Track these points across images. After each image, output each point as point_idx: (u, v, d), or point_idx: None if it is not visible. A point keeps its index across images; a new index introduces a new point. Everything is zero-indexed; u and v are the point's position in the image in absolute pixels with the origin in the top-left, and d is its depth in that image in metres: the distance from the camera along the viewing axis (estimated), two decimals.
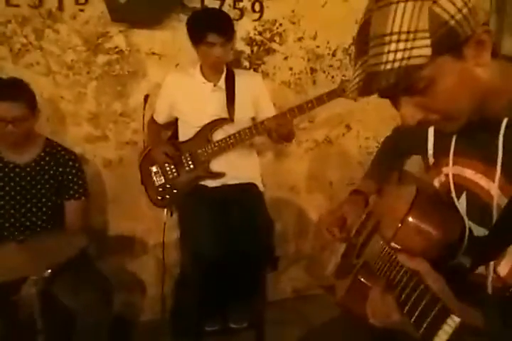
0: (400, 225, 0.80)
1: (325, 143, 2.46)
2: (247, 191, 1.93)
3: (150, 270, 2.31)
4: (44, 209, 1.77)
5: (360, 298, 0.81)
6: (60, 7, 1.99)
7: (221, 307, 1.86)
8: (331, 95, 1.82)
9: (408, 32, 0.64)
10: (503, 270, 0.73)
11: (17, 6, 1.94)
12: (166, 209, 1.99)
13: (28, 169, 1.76)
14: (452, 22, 0.64)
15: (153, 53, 2.15)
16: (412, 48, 0.64)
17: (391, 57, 0.65)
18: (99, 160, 2.19)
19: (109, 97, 2.14)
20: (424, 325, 0.61)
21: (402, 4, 0.65)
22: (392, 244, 0.81)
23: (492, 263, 0.74)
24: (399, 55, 0.65)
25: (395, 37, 0.65)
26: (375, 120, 2.42)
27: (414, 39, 0.64)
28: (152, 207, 2.12)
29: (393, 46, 0.65)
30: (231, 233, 1.79)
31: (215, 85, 1.91)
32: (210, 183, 1.94)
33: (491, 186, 0.74)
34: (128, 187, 2.19)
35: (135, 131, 2.19)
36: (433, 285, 0.64)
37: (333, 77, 2.37)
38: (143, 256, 2.30)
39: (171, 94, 1.96)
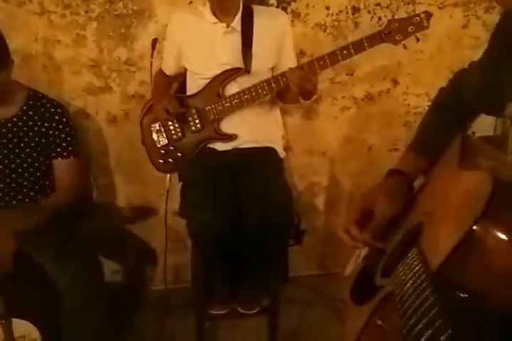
0: (458, 241, 0.48)
1: (365, 101, 2.06)
2: (263, 157, 1.62)
3: (162, 238, 2.10)
4: (31, 169, 1.57)
5: None
6: None
7: (230, 288, 1.62)
8: (374, 40, 1.43)
9: None
10: None
11: None
12: (168, 175, 1.73)
13: (10, 125, 1.54)
14: None
15: None
16: None
17: None
18: (103, 115, 1.94)
19: (111, 41, 1.84)
20: None
21: None
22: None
23: None
24: None
25: None
26: (428, 74, 1.99)
27: None
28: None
29: None
30: (242, 205, 1.51)
31: (228, 26, 1.56)
32: (220, 146, 1.64)
33: None
34: (135, 147, 1.94)
35: (142, 82, 1.90)
36: None
37: (380, 18, 1.93)
38: (153, 224, 2.09)
39: (177, 38, 1.63)
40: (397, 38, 1.43)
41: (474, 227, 0.49)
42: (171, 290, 2.03)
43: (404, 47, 1.89)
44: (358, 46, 1.46)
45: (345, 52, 1.47)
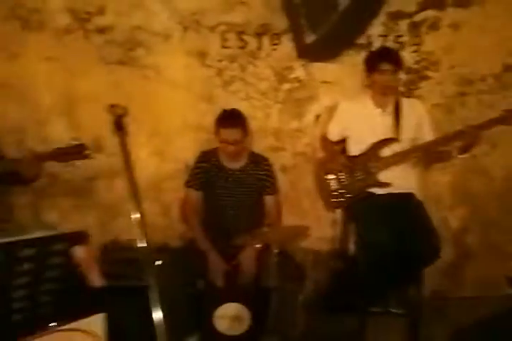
0: None
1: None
2: (409, 199, 2.31)
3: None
4: (248, 202, 2.33)
5: None
6: (259, 47, 2.55)
7: (384, 293, 2.26)
8: (492, 123, 2.14)
9: None
10: None
11: (228, 47, 2.55)
12: (340, 210, 2.46)
13: (238, 173, 2.32)
14: None
15: (325, 81, 2.63)
16: None
17: None
18: (278, 166, 2.68)
19: (289, 117, 2.66)
20: None
21: None
22: None
23: None
24: None
25: None
26: None
27: None
28: (313, 207, 2.61)
29: None
30: (399, 234, 2.15)
31: (384, 111, 2.33)
32: (377, 191, 2.35)
33: None
34: (297, 189, 2.69)
35: (306, 144, 2.69)
36: None
37: (481, 100, 2.65)
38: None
39: (344, 119, 2.42)
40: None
41: None
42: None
43: None
44: (480, 128, 2.15)
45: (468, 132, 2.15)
